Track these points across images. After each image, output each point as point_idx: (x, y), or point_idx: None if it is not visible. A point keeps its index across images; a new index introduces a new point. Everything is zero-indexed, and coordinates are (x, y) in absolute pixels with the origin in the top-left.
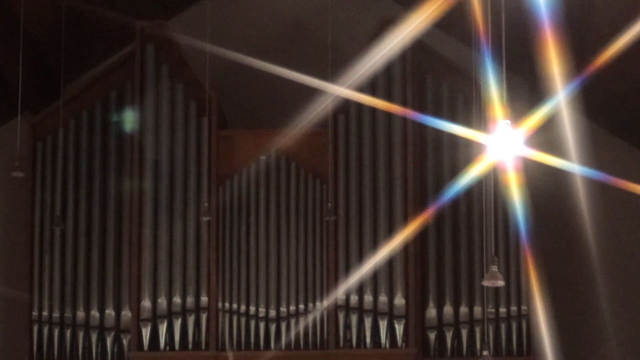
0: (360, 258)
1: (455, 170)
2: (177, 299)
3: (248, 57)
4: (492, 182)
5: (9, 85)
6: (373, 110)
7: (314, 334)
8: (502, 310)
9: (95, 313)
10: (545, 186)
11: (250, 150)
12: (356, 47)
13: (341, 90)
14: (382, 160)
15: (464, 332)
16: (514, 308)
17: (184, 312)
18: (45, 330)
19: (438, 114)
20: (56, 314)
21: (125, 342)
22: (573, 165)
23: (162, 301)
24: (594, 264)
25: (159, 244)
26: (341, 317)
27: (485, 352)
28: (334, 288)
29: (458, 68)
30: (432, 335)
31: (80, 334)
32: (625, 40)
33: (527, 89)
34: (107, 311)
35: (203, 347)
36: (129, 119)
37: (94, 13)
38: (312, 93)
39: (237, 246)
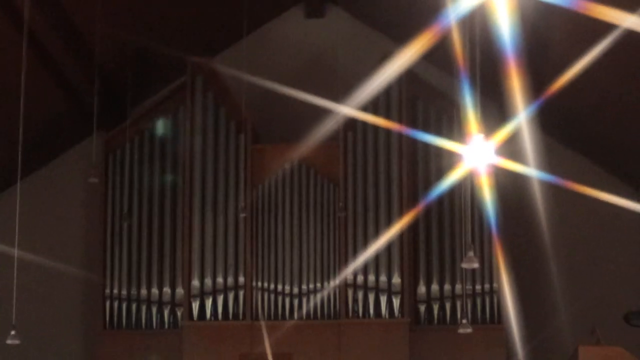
0: (365, 245)
1: (440, 175)
2: (219, 279)
3: (276, 85)
4: (469, 185)
5: (86, 109)
6: (375, 127)
7: (329, 306)
8: (478, 287)
9: (155, 290)
10: (511, 188)
11: (277, 160)
12: (361, 76)
13: (349, 111)
14: (382, 167)
15: (448, 305)
16: (487, 285)
17: (225, 290)
18: (116, 304)
19: (427, 130)
20: (124, 292)
21: (179, 313)
22: (533, 171)
23: (208, 281)
24: (550, 249)
25: (206, 235)
26: (350, 293)
27: (464, 321)
28: (344, 270)
29: (442, 93)
30: (422, 308)
31: (143, 308)
32: (575, 70)
33: (496, 109)
34: (164, 289)
35: (240, 317)
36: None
37: (155, 50)
38: (326, 113)
39: (267, 237)
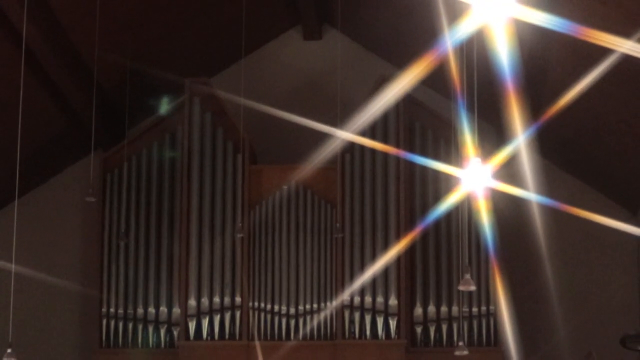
0: (362, 267)
1: (438, 197)
2: (216, 299)
3: (274, 107)
4: (466, 207)
5: (84, 128)
6: (372, 150)
7: (325, 327)
8: (474, 309)
9: (151, 310)
10: (508, 211)
11: (275, 181)
12: (359, 99)
13: (347, 134)
14: (380, 189)
15: (444, 327)
16: (483, 308)
17: (222, 310)
18: (112, 323)
19: (424, 153)
20: (121, 310)
21: (175, 333)
22: (530, 194)
23: (205, 300)
24: (547, 272)
25: (203, 255)
26: (347, 314)
27: (460, 343)
28: (341, 291)
29: (440, 117)
30: (418, 329)
31: (140, 327)
32: (572, 94)
33: (494, 133)
34: (161, 308)
35: (237, 337)
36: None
37: (152, 71)
38: (324, 136)
39: (264, 257)
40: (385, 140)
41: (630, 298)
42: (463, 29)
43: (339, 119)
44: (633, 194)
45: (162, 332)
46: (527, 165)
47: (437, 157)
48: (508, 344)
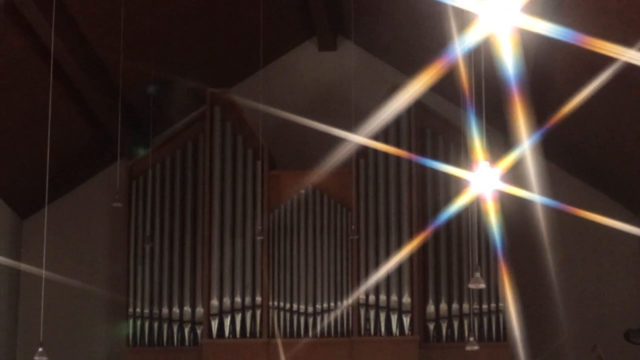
0: (376, 267)
1: (448, 199)
2: (237, 299)
3: (291, 114)
4: (475, 209)
5: (111, 138)
6: (386, 154)
7: (342, 325)
8: (484, 306)
9: (176, 309)
10: (516, 212)
11: (293, 185)
12: (372, 106)
13: (362, 139)
14: (393, 192)
15: (456, 324)
16: (492, 305)
17: (243, 309)
18: (139, 323)
19: (435, 157)
20: (147, 311)
21: (199, 331)
22: (536, 196)
23: (227, 300)
24: (553, 270)
25: (224, 257)
26: (362, 312)
27: (471, 339)
28: (357, 290)
29: (450, 123)
30: (431, 326)
31: (165, 326)
32: (576, 100)
33: (501, 138)
34: (185, 308)
35: (257, 335)
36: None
37: (175, 82)
38: (339, 142)
39: (283, 258)
40: (397, 145)
41: (632, 294)
42: (470, 39)
43: (353, 125)
44: (635, 195)
45: (186, 330)
46: (532, 168)
47: (447, 161)
48: (516, 339)
